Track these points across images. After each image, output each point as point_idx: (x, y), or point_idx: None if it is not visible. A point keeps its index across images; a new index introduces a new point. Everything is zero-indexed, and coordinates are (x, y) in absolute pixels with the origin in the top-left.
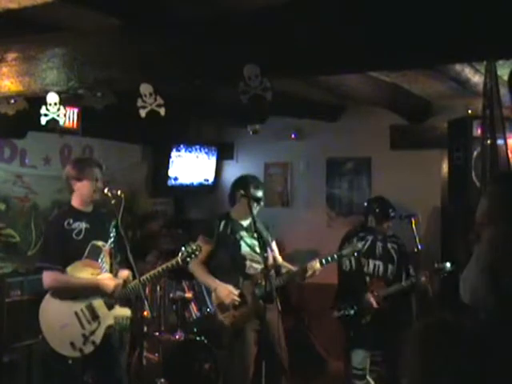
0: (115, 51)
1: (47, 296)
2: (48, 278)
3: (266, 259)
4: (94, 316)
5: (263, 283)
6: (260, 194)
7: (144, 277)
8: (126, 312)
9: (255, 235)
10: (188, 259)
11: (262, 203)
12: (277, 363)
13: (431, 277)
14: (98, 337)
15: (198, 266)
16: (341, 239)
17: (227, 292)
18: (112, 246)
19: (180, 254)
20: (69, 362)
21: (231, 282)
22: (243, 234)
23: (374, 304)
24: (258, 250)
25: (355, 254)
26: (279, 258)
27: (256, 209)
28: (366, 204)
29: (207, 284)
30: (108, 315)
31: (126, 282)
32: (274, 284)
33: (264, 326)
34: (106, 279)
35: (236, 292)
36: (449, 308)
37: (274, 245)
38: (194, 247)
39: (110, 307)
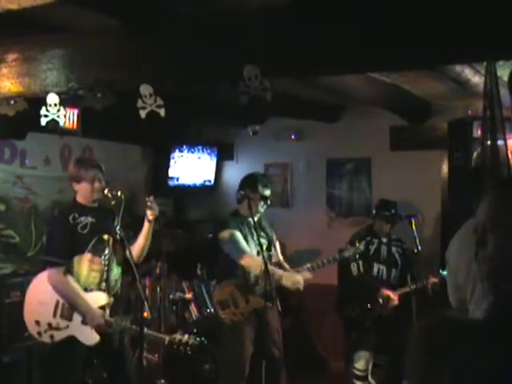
0: (115, 51)
1: (49, 271)
2: (53, 278)
3: (270, 258)
4: (69, 317)
5: (263, 282)
6: (268, 192)
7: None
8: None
9: (261, 233)
10: None
11: (269, 202)
12: (275, 363)
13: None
14: (57, 336)
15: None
16: (348, 242)
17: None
18: (118, 239)
19: None
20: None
21: (233, 278)
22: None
23: (395, 300)
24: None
25: (357, 256)
26: (281, 258)
27: (263, 207)
28: (374, 208)
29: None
30: (78, 326)
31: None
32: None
33: (263, 326)
34: (100, 318)
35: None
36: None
37: (277, 244)
38: None
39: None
